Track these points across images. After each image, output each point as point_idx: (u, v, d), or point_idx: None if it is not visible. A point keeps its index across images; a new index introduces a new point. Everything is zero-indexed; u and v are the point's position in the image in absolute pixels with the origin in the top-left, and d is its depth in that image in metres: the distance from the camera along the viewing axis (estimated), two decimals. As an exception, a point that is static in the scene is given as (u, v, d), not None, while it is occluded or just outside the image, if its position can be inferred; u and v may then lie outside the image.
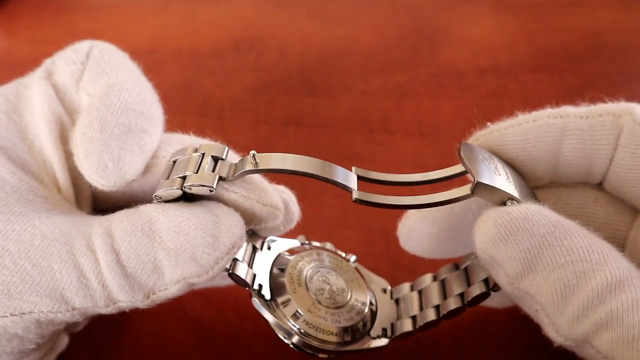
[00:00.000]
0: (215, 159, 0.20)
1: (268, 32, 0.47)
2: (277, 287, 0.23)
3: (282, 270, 0.24)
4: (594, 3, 0.46)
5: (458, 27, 0.46)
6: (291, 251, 0.25)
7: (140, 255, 0.19)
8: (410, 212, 0.24)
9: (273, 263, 0.24)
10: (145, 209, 0.20)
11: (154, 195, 0.20)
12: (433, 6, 0.48)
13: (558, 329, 0.18)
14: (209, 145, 0.21)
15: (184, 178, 0.20)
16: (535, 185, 0.23)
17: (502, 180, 0.20)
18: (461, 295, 0.23)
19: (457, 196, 0.20)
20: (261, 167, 0.20)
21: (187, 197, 0.21)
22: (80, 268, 0.19)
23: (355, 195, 0.20)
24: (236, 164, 0.20)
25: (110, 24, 0.50)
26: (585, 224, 0.20)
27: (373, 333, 0.24)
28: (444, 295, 0.23)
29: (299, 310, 0.22)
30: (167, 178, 0.20)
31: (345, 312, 0.23)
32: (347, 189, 0.20)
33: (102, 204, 0.25)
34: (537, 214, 0.18)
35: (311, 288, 0.23)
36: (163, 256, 0.19)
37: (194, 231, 0.19)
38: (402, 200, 0.20)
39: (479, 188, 0.19)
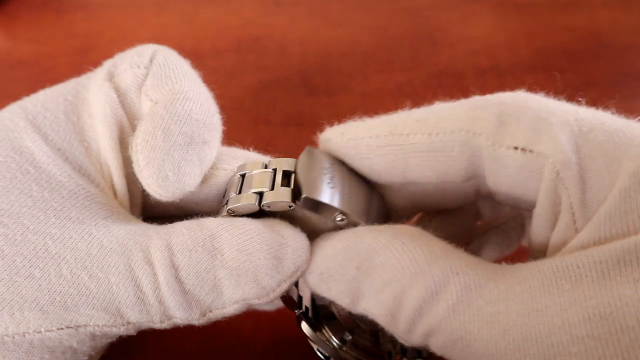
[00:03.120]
0: (287, 174, 0.20)
1: (268, 32, 0.47)
2: (321, 310, 0.23)
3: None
4: (594, 3, 0.46)
5: (458, 27, 0.46)
6: None
7: (200, 272, 0.18)
8: None
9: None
10: (208, 223, 0.19)
11: (227, 210, 0.20)
12: (433, 6, 0.48)
13: (399, 337, 0.18)
14: (278, 160, 0.21)
15: (260, 194, 0.19)
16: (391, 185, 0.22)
17: (335, 194, 0.19)
18: None
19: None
20: None
21: (258, 213, 0.20)
22: (137, 282, 0.18)
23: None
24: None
25: (110, 24, 0.50)
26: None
27: (409, 356, 0.23)
28: None
29: (346, 333, 0.22)
30: (239, 192, 0.20)
31: (383, 336, 0.23)
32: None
33: (150, 212, 0.24)
34: (352, 241, 0.19)
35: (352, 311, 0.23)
36: (224, 275, 0.18)
37: (258, 252, 0.18)
38: None
39: (305, 202, 0.19)
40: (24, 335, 0.17)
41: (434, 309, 0.17)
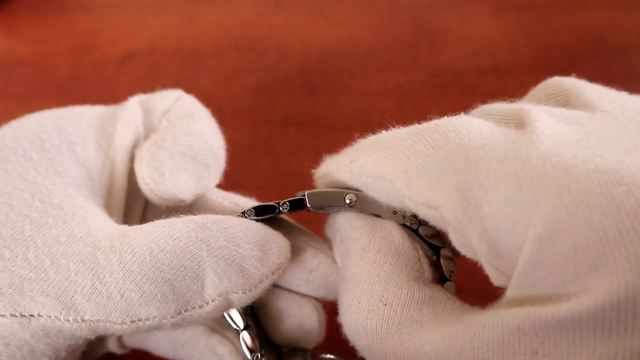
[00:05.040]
0: None
1: (268, 32, 0.47)
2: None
3: (290, 355, 0.23)
4: (594, 3, 0.46)
5: (458, 27, 0.46)
6: None
7: (183, 259, 0.18)
8: None
9: (285, 354, 0.23)
10: (194, 217, 0.19)
11: (246, 210, 0.21)
12: (433, 6, 0.48)
13: None
14: None
15: (278, 203, 0.20)
16: None
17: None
18: None
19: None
20: None
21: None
22: (98, 271, 0.17)
23: None
24: None
25: (110, 24, 0.50)
26: None
27: None
28: None
29: None
30: None
31: None
32: None
33: None
34: (351, 218, 0.21)
35: None
36: (209, 263, 0.18)
37: (245, 243, 0.19)
38: None
39: (310, 197, 0.20)
40: None
41: (353, 325, 0.18)
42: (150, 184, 0.20)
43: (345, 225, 0.21)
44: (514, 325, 0.14)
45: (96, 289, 0.17)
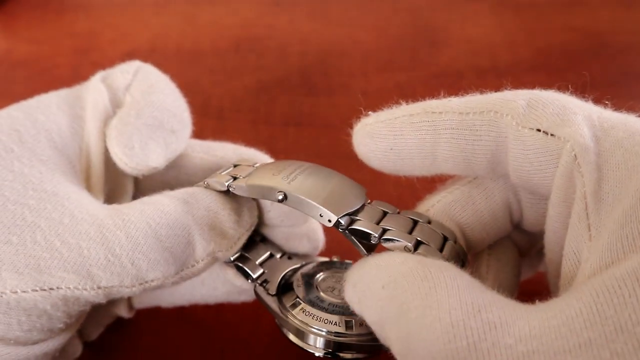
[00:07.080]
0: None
1: (268, 32, 0.47)
2: (286, 287, 0.23)
3: (294, 272, 0.24)
4: (594, 3, 0.46)
5: (458, 27, 0.46)
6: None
7: (176, 229, 0.21)
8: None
9: (291, 270, 0.24)
10: (175, 193, 0.22)
11: (204, 181, 0.23)
12: (433, 6, 0.48)
13: None
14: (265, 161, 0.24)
15: (234, 178, 0.22)
16: (417, 174, 0.22)
17: (275, 179, 0.21)
18: None
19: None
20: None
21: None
22: (107, 245, 0.20)
23: None
24: None
25: (110, 24, 0.50)
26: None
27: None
28: None
29: (298, 298, 0.22)
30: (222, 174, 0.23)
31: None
32: None
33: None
34: (384, 260, 0.18)
35: (321, 287, 0.23)
36: (196, 230, 0.21)
37: (221, 210, 0.22)
38: None
39: (249, 188, 0.21)
40: (2, 296, 0.19)
41: (449, 346, 0.15)
42: (123, 158, 0.23)
43: (383, 270, 0.18)
44: None
45: (109, 260, 0.20)
